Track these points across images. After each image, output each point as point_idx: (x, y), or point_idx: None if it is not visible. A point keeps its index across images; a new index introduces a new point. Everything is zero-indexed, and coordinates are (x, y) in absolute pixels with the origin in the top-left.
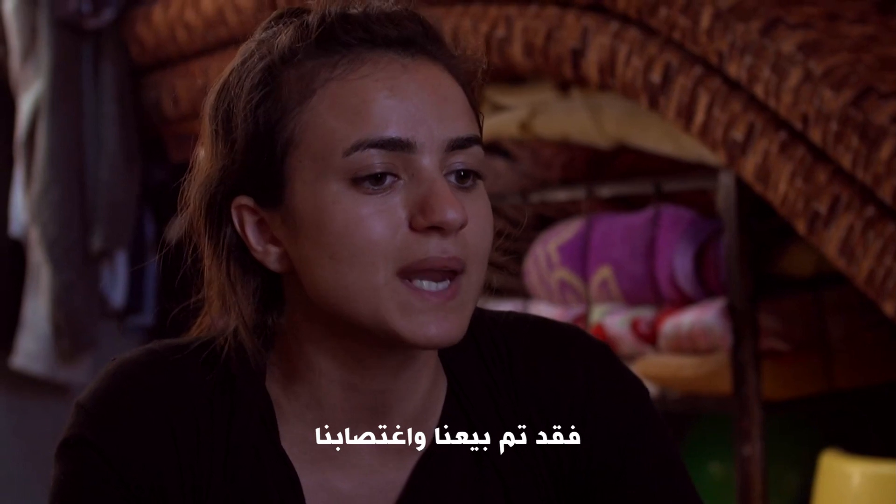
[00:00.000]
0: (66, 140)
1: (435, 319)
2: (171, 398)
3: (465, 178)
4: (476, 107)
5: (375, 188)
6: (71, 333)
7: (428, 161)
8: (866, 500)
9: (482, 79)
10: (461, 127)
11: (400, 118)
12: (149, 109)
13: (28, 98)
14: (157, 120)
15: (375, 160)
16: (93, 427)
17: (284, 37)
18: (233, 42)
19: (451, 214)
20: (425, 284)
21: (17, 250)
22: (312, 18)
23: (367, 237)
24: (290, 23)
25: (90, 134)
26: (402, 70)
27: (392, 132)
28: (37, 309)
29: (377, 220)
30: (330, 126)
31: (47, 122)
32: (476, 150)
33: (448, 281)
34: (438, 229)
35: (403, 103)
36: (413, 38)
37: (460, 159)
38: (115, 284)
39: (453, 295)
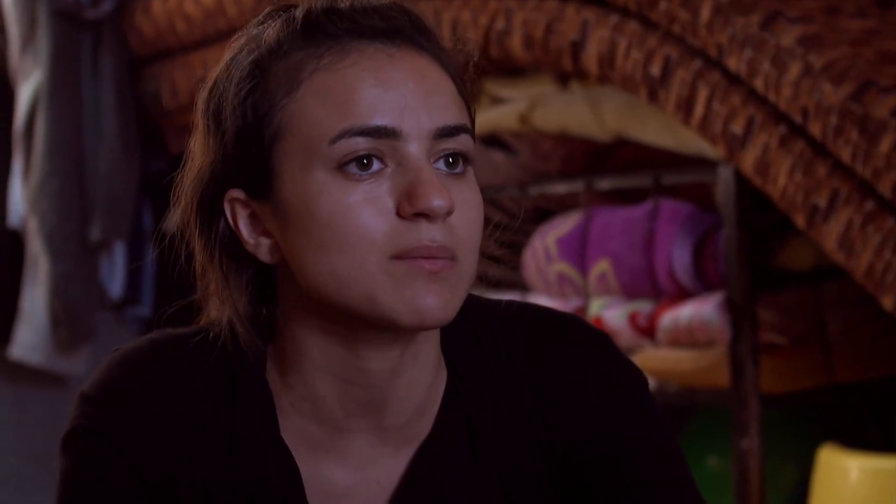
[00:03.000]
0: (65, 130)
1: (427, 292)
2: (176, 387)
3: (454, 163)
4: (468, 98)
5: (362, 173)
6: (69, 324)
7: (415, 148)
8: (864, 494)
9: (475, 71)
10: (448, 116)
11: (386, 106)
12: (148, 100)
13: (27, 88)
14: (156, 111)
15: (361, 146)
16: (99, 417)
17: (272, 30)
18: (232, 33)
19: (437, 201)
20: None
21: (15, 241)
22: (299, 12)
23: (355, 225)
24: (278, 17)
25: (89, 124)
26: (389, 59)
27: (378, 120)
28: (35, 300)
29: (365, 208)
30: (316, 116)
31: (46, 113)
32: (464, 139)
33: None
34: (425, 216)
35: (390, 92)
36: (400, 29)
37: (449, 146)
38: (114, 275)
39: (445, 267)
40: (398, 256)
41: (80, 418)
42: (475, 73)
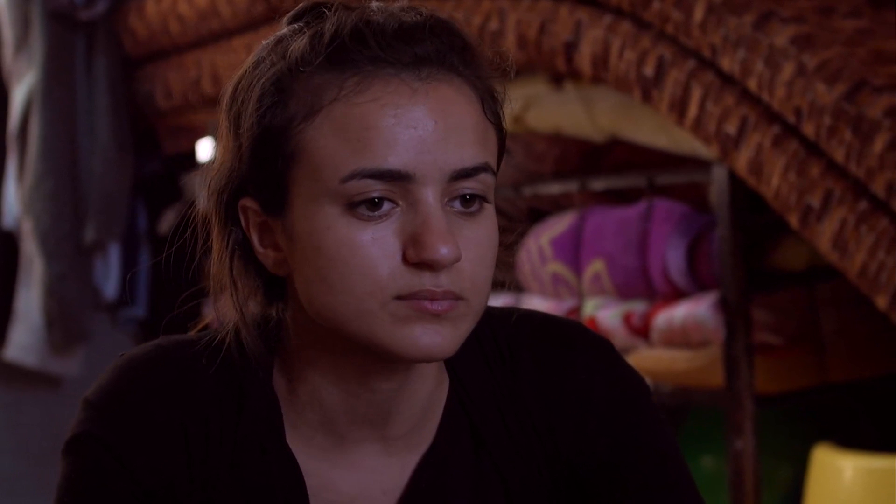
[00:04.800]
0: (59, 132)
1: (427, 331)
2: (180, 394)
3: (470, 202)
4: (497, 116)
5: (371, 214)
6: (63, 325)
7: (428, 192)
8: (859, 493)
9: (506, 81)
10: (467, 156)
11: (402, 148)
12: (141, 101)
13: (21, 90)
14: (150, 112)
15: (373, 188)
16: (101, 423)
17: (297, 45)
18: (226, 34)
19: (443, 251)
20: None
21: (9, 242)
22: (327, 29)
23: (359, 266)
24: (308, 26)
25: (83, 126)
26: (411, 95)
27: (392, 163)
28: (29, 301)
29: (370, 250)
30: (331, 149)
31: (40, 114)
32: (484, 177)
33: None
34: (430, 265)
35: (408, 132)
36: (428, 57)
37: (467, 185)
38: (108, 276)
39: (450, 308)
40: (401, 297)
41: (82, 424)
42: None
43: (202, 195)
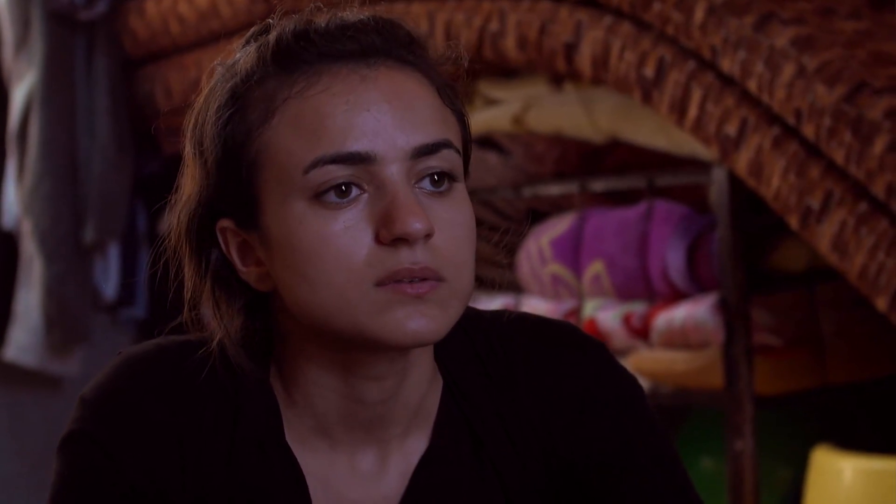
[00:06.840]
0: (59, 132)
1: (412, 314)
2: (177, 395)
3: (439, 181)
4: (458, 106)
5: (340, 201)
6: (63, 325)
7: (392, 171)
8: (858, 495)
9: (466, 76)
10: (427, 133)
11: (359, 131)
12: (142, 102)
13: (21, 90)
14: (150, 112)
15: (336, 174)
16: (96, 422)
17: (246, 59)
18: (226, 34)
19: (414, 225)
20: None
21: (9, 243)
22: (272, 37)
23: (334, 255)
24: (255, 42)
25: (83, 126)
26: (361, 81)
27: (351, 146)
28: (29, 301)
29: (343, 237)
30: (289, 145)
31: (40, 115)
32: (447, 154)
33: (426, 280)
34: (405, 241)
35: (362, 115)
36: (374, 48)
37: (431, 164)
38: (108, 277)
39: (431, 289)
40: (381, 283)
41: (77, 422)
42: (466, 76)
43: (169, 228)
